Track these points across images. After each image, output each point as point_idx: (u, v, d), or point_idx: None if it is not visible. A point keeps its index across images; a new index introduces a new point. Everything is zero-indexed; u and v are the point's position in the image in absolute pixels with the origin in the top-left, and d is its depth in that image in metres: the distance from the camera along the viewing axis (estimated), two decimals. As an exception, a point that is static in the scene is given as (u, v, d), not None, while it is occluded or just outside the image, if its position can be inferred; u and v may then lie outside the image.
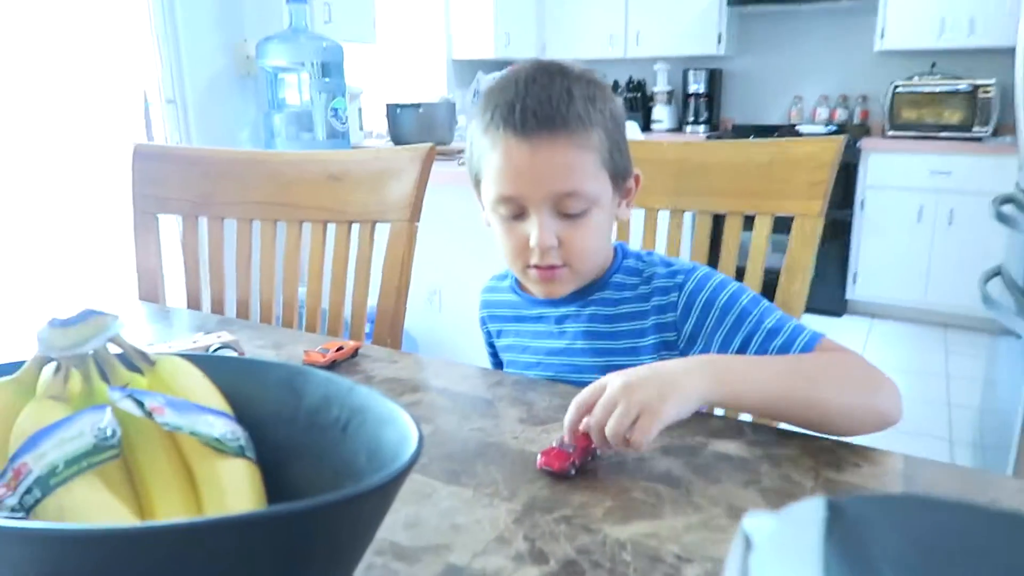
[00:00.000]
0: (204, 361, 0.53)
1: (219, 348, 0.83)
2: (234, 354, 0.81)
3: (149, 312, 1.18)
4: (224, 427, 0.49)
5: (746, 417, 0.79)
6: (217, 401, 0.51)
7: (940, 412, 2.73)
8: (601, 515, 0.56)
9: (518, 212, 0.79)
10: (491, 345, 1.00)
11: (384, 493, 0.39)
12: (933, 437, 2.53)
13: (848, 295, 3.81)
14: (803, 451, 0.67)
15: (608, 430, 0.59)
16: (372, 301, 1.16)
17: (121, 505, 0.44)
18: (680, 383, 0.62)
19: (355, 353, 0.90)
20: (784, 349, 0.74)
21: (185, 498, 0.48)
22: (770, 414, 0.72)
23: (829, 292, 3.70)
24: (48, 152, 2.10)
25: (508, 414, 0.74)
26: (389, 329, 1.13)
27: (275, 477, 0.50)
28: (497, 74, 0.84)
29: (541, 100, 0.75)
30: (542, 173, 0.76)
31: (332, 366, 0.86)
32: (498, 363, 0.99)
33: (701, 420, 0.72)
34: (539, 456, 0.63)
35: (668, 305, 0.82)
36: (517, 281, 0.92)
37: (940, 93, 3.64)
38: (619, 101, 0.83)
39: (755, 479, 0.62)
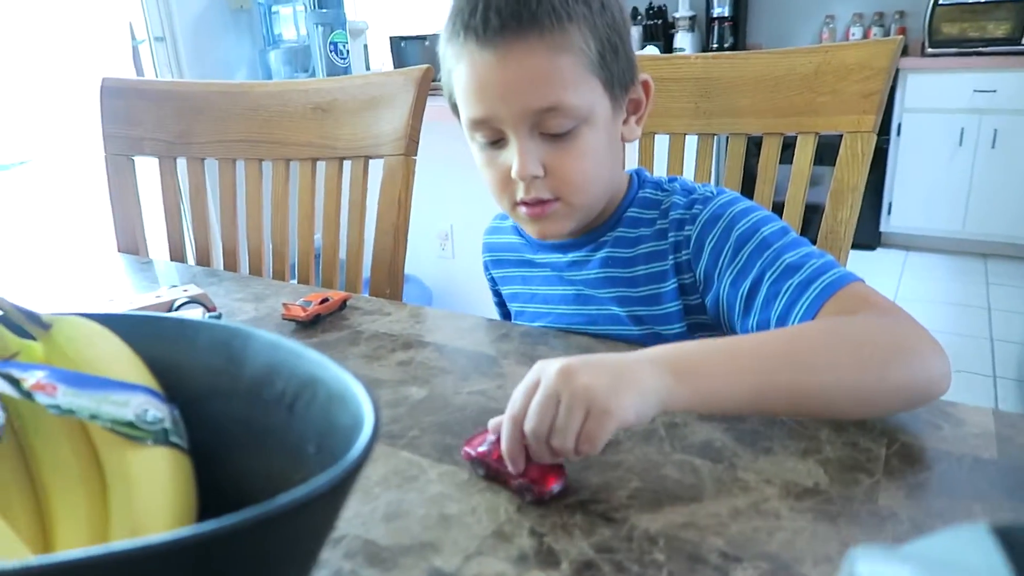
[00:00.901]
0: (120, 322, 0.42)
1: (184, 303, 0.73)
2: (200, 309, 0.71)
3: (128, 265, 1.08)
4: (141, 406, 0.38)
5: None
6: (135, 372, 0.40)
7: (982, 347, 2.59)
8: (625, 499, 0.45)
9: (496, 137, 0.65)
10: (496, 294, 0.88)
11: (324, 502, 0.28)
12: (975, 374, 2.40)
13: (882, 227, 3.63)
14: (869, 409, 0.55)
15: (554, 441, 0.44)
16: (370, 245, 1.05)
17: (-4, 514, 0.34)
18: (635, 374, 0.45)
19: (343, 305, 0.79)
20: (803, 287, 0.58)
21: (92, 496, 0.37)
22: (755, 413, 0.54)
23: (861, 224, 3.46)
24: (28, 94, 1.98)
25: (515, 373, 0.63)
26: (387, 276, 1.02)
27: (210, 464, 0.39)
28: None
29: None
30: (513, 86, 0.62)
31: (315, 321, 0.76)
32: (506, 314, 0.87)
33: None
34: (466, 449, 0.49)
35: (683, 241, 0.68)
36: None
37: (985, 3, 3.37)
38: None
39: (814, 447, 0.50)
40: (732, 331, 0.66)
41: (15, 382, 0.34)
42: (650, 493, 0.46)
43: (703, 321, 0.69)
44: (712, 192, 0.68)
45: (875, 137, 0.93)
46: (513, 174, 0.64)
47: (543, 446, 0.44)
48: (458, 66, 0.65)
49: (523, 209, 0.67)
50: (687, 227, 0.67)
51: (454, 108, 0.70)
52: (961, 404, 0.56)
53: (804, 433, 0.52)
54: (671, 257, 0.68)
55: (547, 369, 0.45)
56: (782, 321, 0.59)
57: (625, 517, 0.43)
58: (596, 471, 0.48)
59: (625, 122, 0.70)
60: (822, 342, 0.52)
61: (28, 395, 0.34)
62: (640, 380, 0.45)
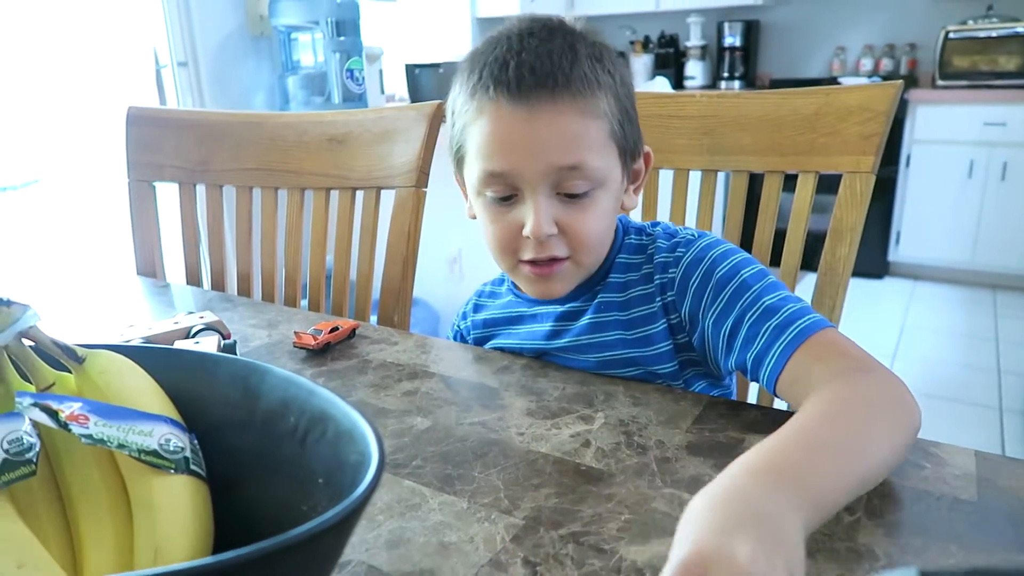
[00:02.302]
0: (146, 355, 0.45)
1: (201, 330, 0.76)
2: (216, 336, 0.74)
3: (146, 288, 1.12)
4: (164, 435, 0.41)
5: (782, 404, 0.68)
6: (159, 403, 0.43)
7: (989, 379, 2.59)
8: (616, 532, 0.48)
9: (509, 193, 0.66)
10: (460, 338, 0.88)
11: (333, 533, 0.31)
12: (981, 406, 2.40)
13: (890, 257, 3.64)
14: (855, 448, 0.57)
15: None
16: (379, 272, 1.08)
17: (30, 535, 0.37)
18: (776, 523, 0.38)
19: (352, 334, 0.82)
20: (780, 330, 0.61)
21: (118, 522, 0.40)
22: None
23: (870, 253, 3.53)
24: (43, 113, 2.03)
25: (515, 405, 0.65)
26: (396, 303, 1.05)
27: (226, 492, 0.42)
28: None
29: (540, 55, 0.63)
30: (541, 143, 0.63)
31: (325, 349, 0.79)
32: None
33: (734, 412, 0.63)
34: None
35: (668, 283, 0.70)
36: (515, 284, 0.80)
37: (996, 38, 3.40)
38: (627, 64, 0.70)
39: (800, 485, 0.52)
40: (716, 367, 0.69)
41: (53, 413, 0.37)
42: (640, 526, 0.48)
43: (693, 358, 0.72)
44: (693, 235, 0.71)
45: (874, 178, 0.96)
46: (527, 231, 0.65)
47: None
48: (479, 119, 0.66)
49: (527, 268, 0.69)
50: (671, 270, 0.70)
51: (458, 161, 0.71)
52: (945, 444, 0.58)
53: (790, 471, 0.54)
54: (658, 299, 0.71)
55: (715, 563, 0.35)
56: (759, 360, 0.62)
57: (615, 549, 0.46)
58: (589, 503, 0.51)
59: (626, 190, 0.73)
60: (866, 420, 0.51)
61: (64, 425, 0.37)
62: (784, 529, 0.38)
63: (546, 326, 0.77)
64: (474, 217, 0.74)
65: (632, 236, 0.76)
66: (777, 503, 0.40)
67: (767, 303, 0.63)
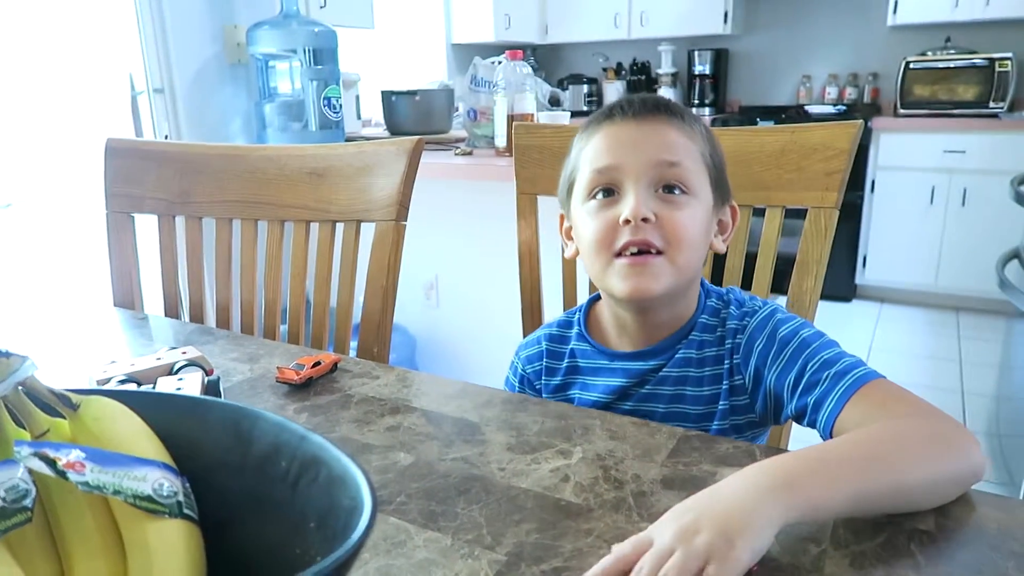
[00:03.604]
0: (139, 399, 0.46)
1: (184, 366, 0.77)
2: (199, 373, 0.75)
3: (124, 320, 1.12)
4: (157, 480, 0.42)
5: (764, 439, 0.72)
6: (152, 448, 0.44)
7: (953, 400, 2.66)
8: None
9: (613, 189, 0.74)
10: (528, 386, 0.90)
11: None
12: (948, 426, 2.46)
13: (857, 279, 3.73)
14: (822, 480, 0.60)
15: None
16: (360, 306, 1.10)
17: (28, 583, 0.38)
18: (747, 513, 0.48)
19: (334, 368, 0.83)
20: (838, 377, 0.67)
21: (113, 566, 0.41)
22: (851, 515, 0.55)
23: (838, 277, 3.62)
24: (28, 144, 2.02)
25: (495, 440, 0.67)
26: (376, 335, 1.07)
27: (218, 535, 0.43)
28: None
29: (644, 96, 0.78)
30: (646, 142, 0.74)
31: (307, 383, 0.80)
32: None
33: (707, 445, 0.66)
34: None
35: (736, 347, 0.77)
36: (587, 328, 0.85)
37: (955, 68, 3.53)
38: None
39: (769, 517, 0.55)
40: (776, 420, 0.75)
41: (51, 461, 0.38)
42: (618, 560, 0.50)
43: (737, 422, 0.78)
44: (759, 305, 0.78)
45: (837, 213, 1.00)
46: (627, 213, 0.71)
47: None
48: (593, 137, 0.77)
49: (623, 260, 0.72)
50: (739, 336, 0.77)
51: (569, 187, 0.79)
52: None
53: (761, 503, 0.56)
54: (726, 361, 0.77)
55: (663, 530, 0.48)
56: (818, 405, 0.67)
57: (594, 584, 0.48)
58: (569, 538, 0.52)
59: (715, 233, 0.80)
60: (898, 444, 0.56)
61: (62, 473, 0.38)
62: (757, 516, 0.48)
63: (624, 380, 0.80)
64: (575, 256, 0.82)
65: (712, 299, 0.81)
66: (760, 496, 0.49)
67: (825, 357, 0.69)
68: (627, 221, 0.71)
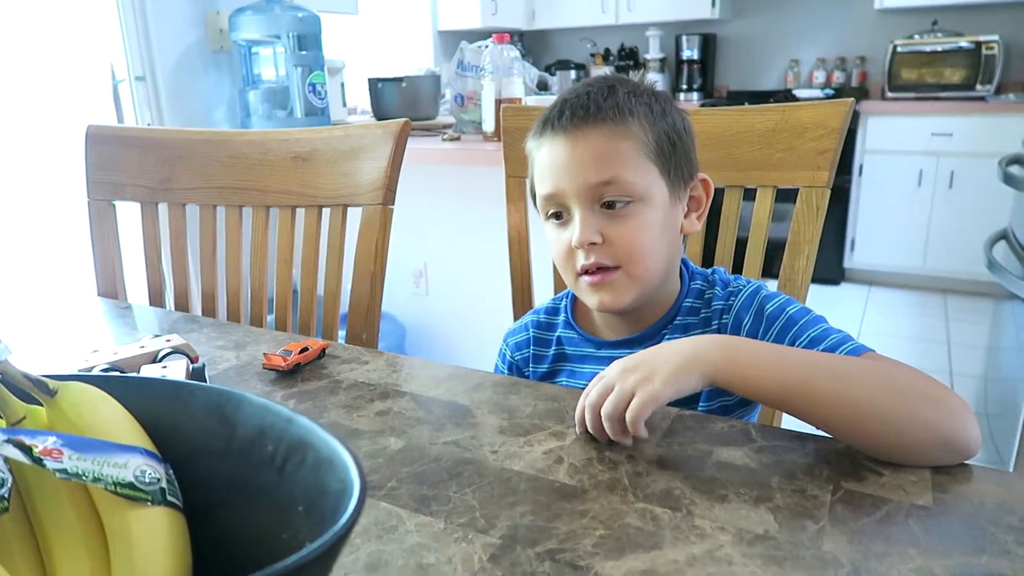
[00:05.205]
0: (119, 385, 0.45)
1: (168, 354, 0.75)
2: (184, 360, 0.73)
3: (107, 309, 1.10)
4: (139, 467, 0.41)
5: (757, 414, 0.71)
6: (133, 434, 0.43)
7: (942, 381, 2.66)
8: (591, 548, 0.49)
9: (562, 211, 0.75)
10: (515, 371, 0.90)
11: (317, 565, 0.31)
12: (937, 408, 2.47)
13: (846, 263, 3.74)
14: (818, 457, 0.59)
15: (603, 411, 0.59)
16: (348, 292, 1.08)
17: (4, 573, 0.36)
18: (677, 361, 0.60)
19: (322, 354, 0.82)
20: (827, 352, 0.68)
21: (95, 557, 0.40)
22: (788, 408, 0.60)
23: (826, 260, 3.63)
24: (7, 134, 1.99)
25: (487, 423, 0.66)
26: (364, 320, 1.05)
27: (203, 521, 0.42)
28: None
29: (581, 96, 0.74)
30: (578, 162, 0.72)
31: (295, 370, 0.78)
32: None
33: (702, 424, 0.65)
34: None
35: (722, 327, 0.77)
36: (573, 315, 0.85)
37: (942, 52, 3.53)
38: (682, 110, 0.79)
39: (766, 495, 0.54)
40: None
41: (27, 448, 0.37)
42: (614, 541, 0.49)
43: (726, 403, 0.78)
44: (744, 284, 0.79)
45: (828, 192, 0.99)
46: (573, 241, 0.72)
47: (596, 419, 0.60)
48: (539, 152, 0.76)
49: (585, 278, 0.74)
50: (724, 316, 0.77)
51: (533, 195, 0.79)
52: (902, 452, 0.60)
53: (757, 480, 0.56)
54: None
55: (613, 367, 0.62)
56: None
57: (590, 565, 0.47)
58: (564, 520, 0.52)
59: (686, 216, 0.79)
60: (861, 367, 0.62)
61: (38, 461, 0.37)
62: (681, 364, 0.60)
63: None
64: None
65: (697, 281, 0.81)
66: (705, 343, 0.62)
67: (813, 334, 0.70)
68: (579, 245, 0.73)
